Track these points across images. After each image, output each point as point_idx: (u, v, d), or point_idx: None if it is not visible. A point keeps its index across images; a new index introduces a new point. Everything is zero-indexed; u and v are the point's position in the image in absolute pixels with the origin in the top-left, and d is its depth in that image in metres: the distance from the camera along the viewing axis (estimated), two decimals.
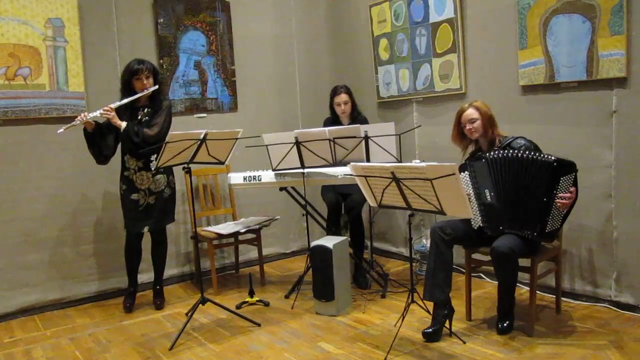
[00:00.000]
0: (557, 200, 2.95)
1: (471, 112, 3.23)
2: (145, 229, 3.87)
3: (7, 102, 3.91)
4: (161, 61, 4.51)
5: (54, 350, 3.40)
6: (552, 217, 2.99)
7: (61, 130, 3.54)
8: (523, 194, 3.05)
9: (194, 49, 4.65)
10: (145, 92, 3.70)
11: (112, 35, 4.31)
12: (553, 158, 2.97)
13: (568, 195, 2.94)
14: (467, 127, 3.23)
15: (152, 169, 3.79)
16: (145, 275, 4.28)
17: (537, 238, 3.04)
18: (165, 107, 3.83)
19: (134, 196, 3.81)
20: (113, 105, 3.66)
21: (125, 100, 3.68)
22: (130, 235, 3.93)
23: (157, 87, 3.77)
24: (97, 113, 3.61)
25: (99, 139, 3.73)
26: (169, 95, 4.54)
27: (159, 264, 4.05)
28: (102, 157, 3.78)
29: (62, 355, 3.32)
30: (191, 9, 4.62)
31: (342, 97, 4.30)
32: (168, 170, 3.88)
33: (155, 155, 3.72)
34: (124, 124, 3.68)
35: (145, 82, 3.71)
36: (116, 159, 3.87)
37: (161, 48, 4.50)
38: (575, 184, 2.96)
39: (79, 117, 3.59)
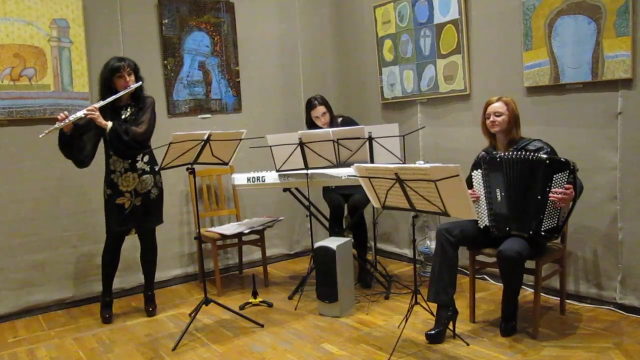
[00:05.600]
0: (550, 195, 2.95)
1: (499, 106, 3.22)
2: (132, 231, 3.78)
3: (12, 103, 3.92)
4: (165, 62, 4.51)
5: (58, 350, 3.40)
6: (547, 215, 2.98)
7: (43, 134, 3.37)
8: (527, 195, 3.05)
9: (198, 49, 4.66)
10: (129, 89, 3.57)
11: (117, 36, 4.32)
12: (545, 156, 3.00)
13: (560, 190, 2.93)
14: (491, 119, 3.22)
15: (139, 168, 3.68)
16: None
17: (534, 236, 3.03)
18: (150, 103, 3.69)
19: (120, 200, 3.66)
20: (97, 105, 3.51)
21: (109, 99, 3.52)
22: (111, 238, 3.77)
23: (140, 83, 3.65)
24: (80, 114, 3.45)
25: (77, 141, 3.56)
26: (172, 96, 4.55)
27: (148, 268, 3.93)
28: (80, 159, 3.59)
29: (66, 355, 3.32)
30: (195, 9, 4.62)
31: (319, 109, 4.20)
32: (155, 171, 3.75)
33: (141, 156, 3.69)
34: (110, 124, 3.52)
35: (127, 79, 3.58)
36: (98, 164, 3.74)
37: (165, 49, 4.51)
38: (571, 182, 2.94)
39: (60, 118, 3.42)
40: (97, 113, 3.51)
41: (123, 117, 3.66)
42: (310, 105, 4.28)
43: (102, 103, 3.54)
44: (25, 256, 4.03)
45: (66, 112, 3.49)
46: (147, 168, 3.73)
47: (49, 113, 4.00)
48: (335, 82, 5.32)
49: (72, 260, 4.19)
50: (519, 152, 3.11)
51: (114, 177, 3.66)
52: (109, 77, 3.57)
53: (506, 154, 3.14)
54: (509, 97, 3.29)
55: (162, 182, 3.84)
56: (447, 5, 4.16)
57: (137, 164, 3.68)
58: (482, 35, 4.02)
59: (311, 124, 4.32)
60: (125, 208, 3.69)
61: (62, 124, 3.42)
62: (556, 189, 2.94)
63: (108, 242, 3.80)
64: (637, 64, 3.17)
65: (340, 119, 4.36)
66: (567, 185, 2.93)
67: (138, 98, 3.69)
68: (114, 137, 3.54)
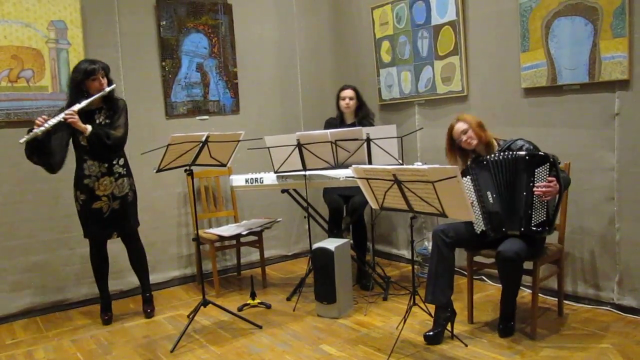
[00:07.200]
0: (534, 189, 2.99)
1: (460, 125, 3.26)
2: (115, 236, 3.75)
3: (10, 104, 3.92)
4: (163, 63, 4.51)
5: (56, 352, 3.40)
6: (535, 210, 3.02)
7: (23, 140, 3.28)
8: (515, 193, 3.09)
9: (196, 51, 4.66)
10: (105, 91, 3.52)
11: (115, 38, 4.32)
12: (524, 152, 3.07)
13: (543, 184, 2.97)
14: (463, 139, 3.24)
15: (115, 171, 3.64)
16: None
17: (526, 232, 3.05)
18: (123, 106, 3.65)
19: (97, 205, 3.61)
20: (76, 109, 3.42)
21: (85, 102, 3.45)
22: (95, 243, 3.77)
23: (114, 86, 3.61)
24: (59, 118, 3.36)
25: (47, 144, 3.41)
26: (170, 98, 4.55)
27: (141, 270, 3.92)
28: (52, 163, 3.44)
29: (64, 357, 3.32)
30: (193, 11, 4.62)
31: (348, 92, 4.37)
32: (129, 174, 3.75)
33: (117, 159, 3.66)
34: (89, 127, 3.47)
35: (102, 81, 3.52)
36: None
37: (163, 50, 4.51)
38: (554, 174, 2.97)
39: (38, 123, 3.30)
40: (77, 117, 3.43)
41: (98, 121, 3.60)
42: (342, 88, 4.45)
43: (79, 106, 3.45)
44: (23, 258, 4.02)
45: (45, 116, 3.36)
46: (123, 171, 3.71)
47: (47, 115, 3.98)
48: (333, 83, 5.31)
49: (70, 261, 4.19)
50: (503, 153, 3.15)
51: (89, 181, 3.59)
52: (82, 80, 3.50)
53: (492, 156, 3.18)
54: (461, 113, 3.34)
55: (135, 185, 3.83)
56: (445, 6, 4.17)
57: (114, 168, 3.66)
58: (480, 36, 4.03)
59: (339, 109, 4.44)
60: (104, 212, 3.65)
61: (42, 128, 3.30)
62: (539, 183, 2.99)
63: (92, 247, 3.79)
64: (634, 65, 3.19)
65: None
66: (549, 178, 2.97)
67: (111, 101, 3.65)
68: (95, 140, 3.49)
